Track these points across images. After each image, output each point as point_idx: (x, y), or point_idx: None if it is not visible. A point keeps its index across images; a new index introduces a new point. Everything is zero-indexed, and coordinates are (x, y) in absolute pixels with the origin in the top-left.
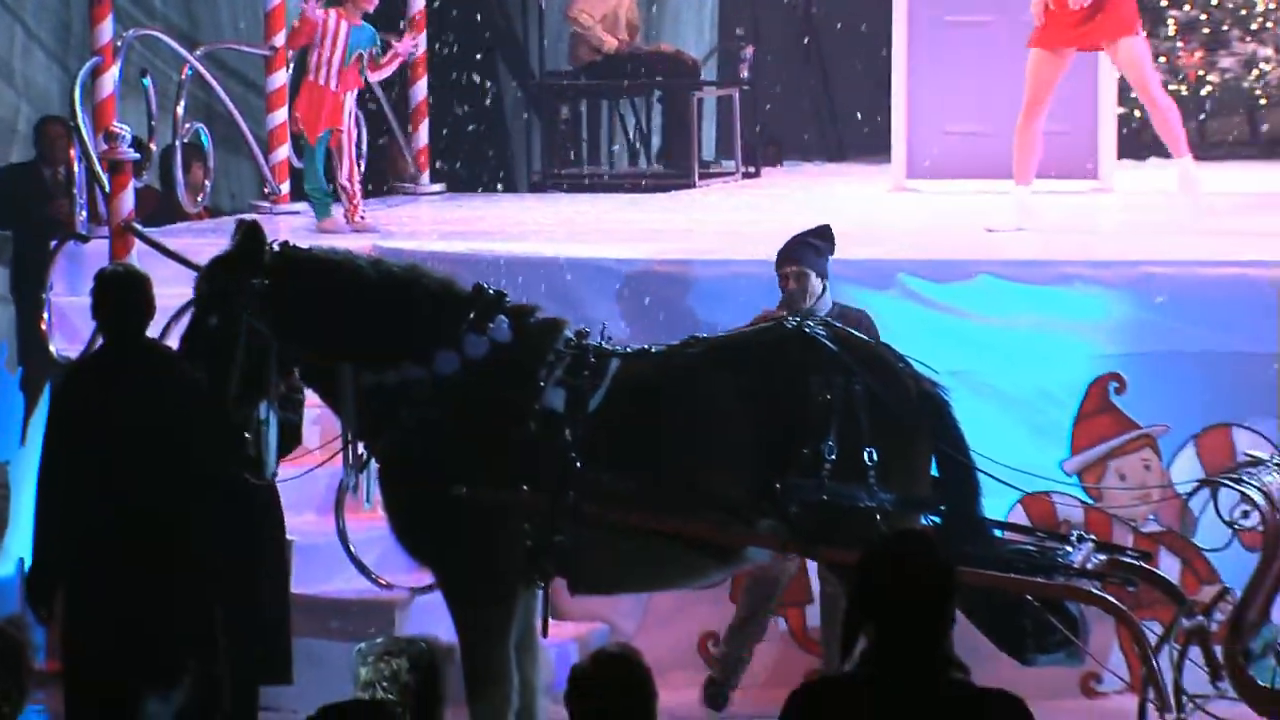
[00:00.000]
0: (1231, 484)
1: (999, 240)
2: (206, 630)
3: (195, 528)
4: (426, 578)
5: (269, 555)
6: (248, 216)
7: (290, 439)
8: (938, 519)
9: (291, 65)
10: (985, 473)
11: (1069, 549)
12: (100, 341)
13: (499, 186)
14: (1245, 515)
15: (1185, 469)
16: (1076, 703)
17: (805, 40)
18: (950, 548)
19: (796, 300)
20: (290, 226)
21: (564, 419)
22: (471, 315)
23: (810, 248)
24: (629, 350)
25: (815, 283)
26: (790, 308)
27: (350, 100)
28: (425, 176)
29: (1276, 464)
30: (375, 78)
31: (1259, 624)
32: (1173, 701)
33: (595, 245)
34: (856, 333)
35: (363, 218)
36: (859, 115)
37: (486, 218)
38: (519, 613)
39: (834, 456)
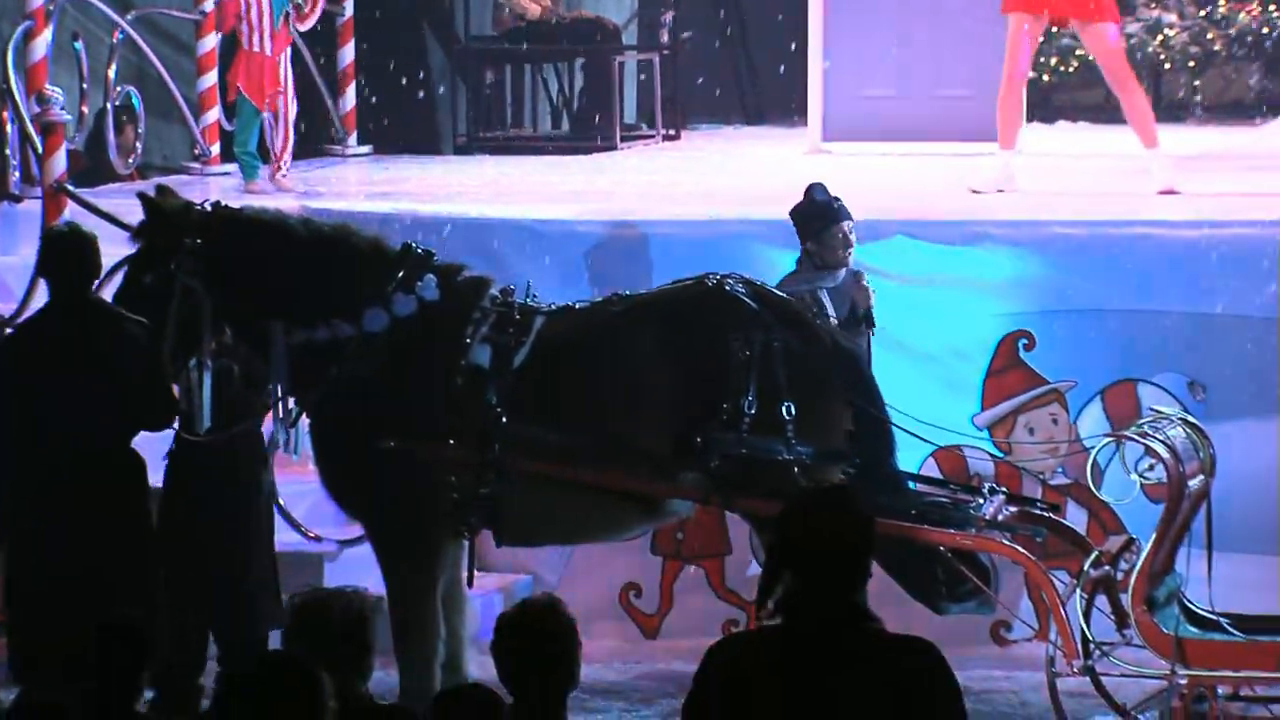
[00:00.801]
0: (1139, 439)
1: (912, 201)
2: (146, 581)
3: (134, 480)
4: (354, 530)
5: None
6: (175, 178)
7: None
8: (854, 471)
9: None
10: (899, 427)
11: (981, 501)
12: (46, 299)
13: (425, 149)
14: (1151, 469)
15: (1092, 423)
16: (986, 650)
17: (722, 6)
18: (866, 500)
19: (844, 257)
20: (220, 187)
21: (490, 375)
22: (400, 274)
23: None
24: (553, 308)
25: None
26: (838, 264)
27: (285, 60)
28: (353, 138)
29: (1181, 419)
30: (303, 27)
31: (1163, 573)
32: (1080, 649)
33: (519, 206)
34: (773, 289)
35: (284, 177)
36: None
37: (412, 179)
38: (446, 564)
39: (753, 411)
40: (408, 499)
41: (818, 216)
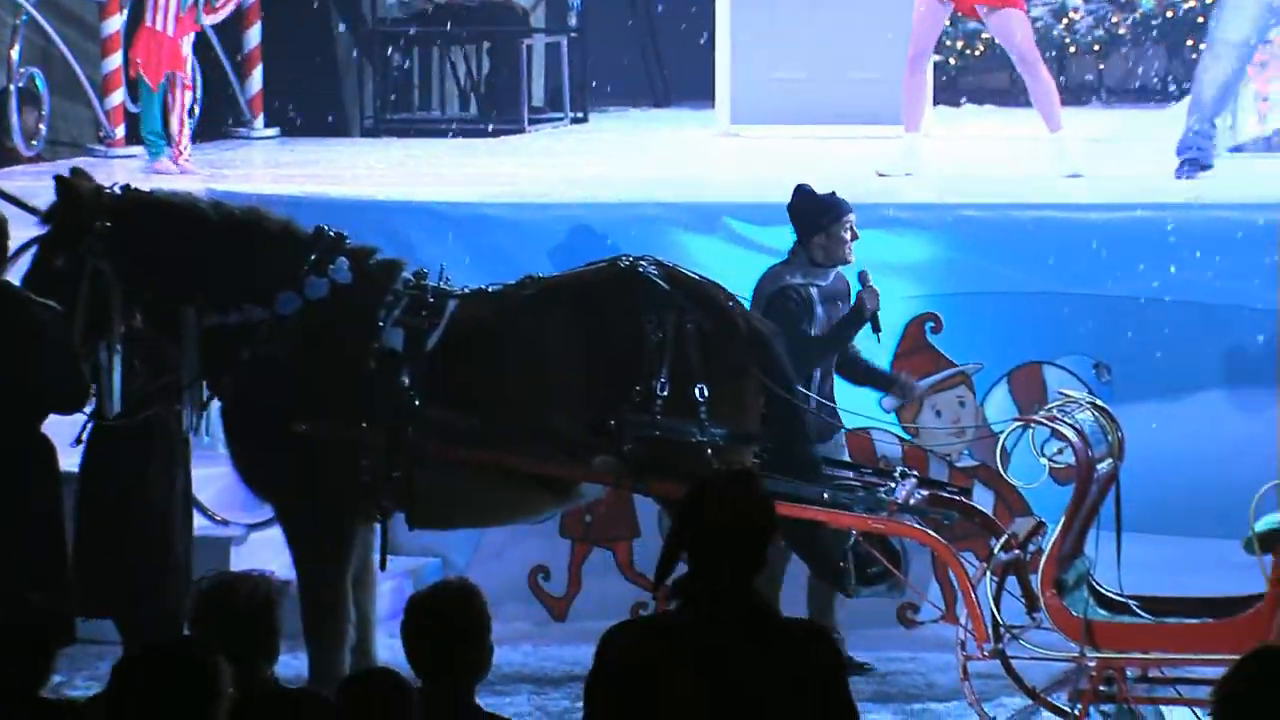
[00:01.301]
0: (1047, 422)
1: (820, 184)
2: (56, 565)
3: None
4: (262, 514)
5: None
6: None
7: None
8: (766, 454)
9: (127, 10)
10: (809, 410)
11: (892, 485)
12: None
13: (332, 131)
14: (1059, 452)
15: (999, 405)
16: (894, 632)
17: None
18: (776, 482)
19: (849, 252)
20: (126, 169)
21: (402, 358)
22: (312, 257)
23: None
24: (466, 291)
25: None
26: (843, 259)
27: (188, 44)
28: (259, 121)
29: (1089, 403)
30: (210, 20)
31: (1072, 556)
32: (990, 632)
33: (427, 189)
34: (687, 270)
35: (188, 160)
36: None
37: (320, 162)
38: (356, 547)
39: (666, 393)
40: (319, 482)
41: (827, 210)
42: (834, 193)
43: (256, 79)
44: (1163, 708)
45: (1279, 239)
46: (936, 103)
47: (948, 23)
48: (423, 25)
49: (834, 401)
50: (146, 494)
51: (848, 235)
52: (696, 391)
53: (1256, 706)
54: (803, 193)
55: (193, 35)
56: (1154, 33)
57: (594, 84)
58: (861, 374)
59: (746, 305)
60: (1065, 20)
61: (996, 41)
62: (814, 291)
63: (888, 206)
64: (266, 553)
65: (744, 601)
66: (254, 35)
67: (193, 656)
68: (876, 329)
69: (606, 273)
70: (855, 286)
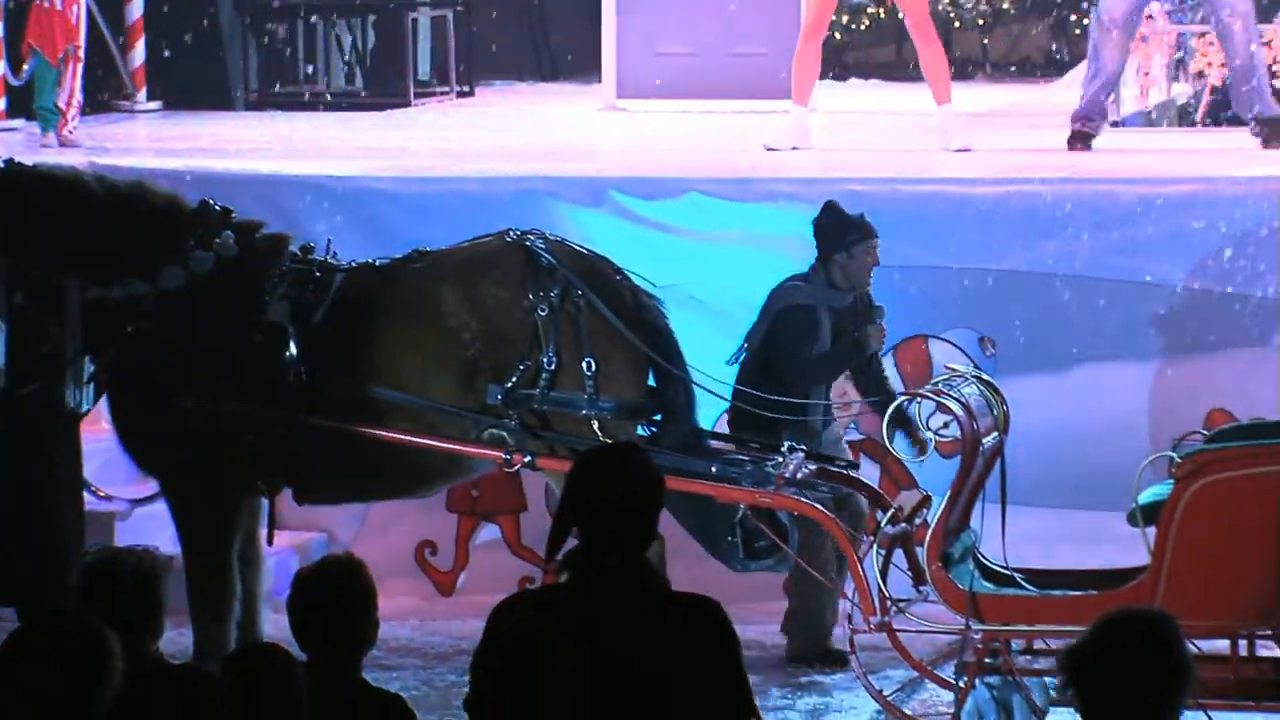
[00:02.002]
0: (933, 396)
1: (707, 158)
2: None
3: None
4: (147, 489)
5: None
6: None
7: None
8: (654, 428)
9: None
10: (697, 384)
11: (779, 459)
12: None
13: (216, 105)
14: (945, 426)
15: None
16: (781, 605)
17: None
18: (664, 456)
19: (869, 277)
20: (7, 143)
21: (289, 332)
22: (198, 231)
23: None
24: (353, 265)
25: None
26: (863, 282)
27: (79, 12)
28: (142, 94)
29: (975, 377)
30: None
31: (958, 530)
32: (877, 605)
33: (312, 163)
34: (574, 244)
35: (71, 133)
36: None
37: (204, 135)
38: (242, 522)
39: (554, 366)
40: (205, 456)
41: (854, 228)
42: (863, 215)
43: (139, 52)
44: (1047, 679)
45: (1161, 213)
46: (823, 77)
47: None
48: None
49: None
50: (38, 473)
51: (870, 259)
52: (584, 365)
53: (1107, 669)
54: (831, 209)
55: (79, 7)
56: (1038, 9)
57: (480, 58)
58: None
59: (635, 279)
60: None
61: (883, 16)
62: (823, 314)
63: (774, 180)
64: (151, 528)
65: (633, 575)
66: (136, 8)
67: (81, 628)
68: (876, 366)
69: (494, 246)
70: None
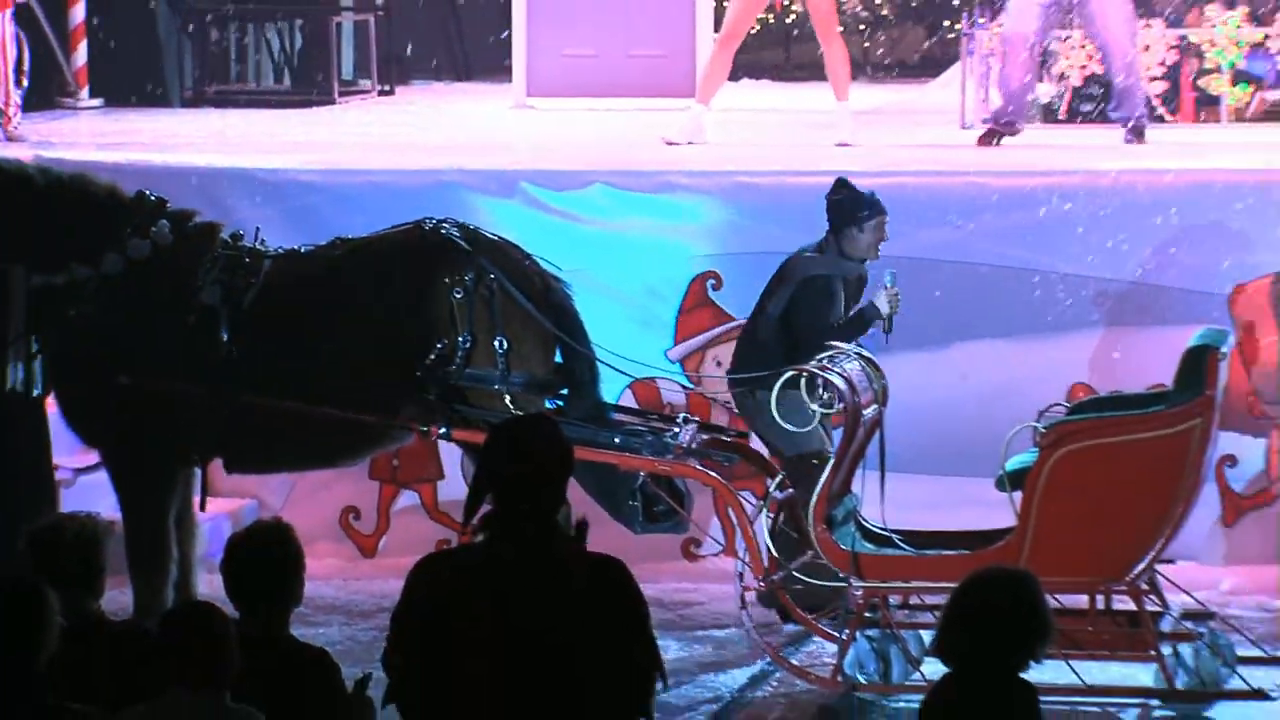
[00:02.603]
0: (818, 371)
1: (610, 152)
2: None
3: None
4: (89, 459)
5: None
6: None
7: None
8: (561, 402)
9: None
10: (601, 361)
11: (676, 430)
12: None
13: (154, 102)
14: (831, 400)
15: None
16: (678, 565)
17: None
18: (571, 428)
19: (877, 249)
20: None
21: (221, 314)
22: (135, 220)
23: None
24: (280, 251)
25: None
26: (872, 255)
27: (5, 17)
28: (85, 92)
29: (857, 354)
30: None
31: (841, 494)
32: (766, 564)
33: (244, 156)
34: (486, 232)
35: (16, 128)
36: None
37: (142, 131)
38: (177, 491)
39: (468, 345)
40: (143, 430)
41: (866, 204)
42: (873, 192)
43: (82, 52)
44: (922, 631)
45: (1029, 202)
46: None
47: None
48: (239, 3)
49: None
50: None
51: (879, 234)
52: (496, 344)
53: (973, 623)
54: (843, 185)
55: (11, 10)
56: (914, 15)
57: (400, 59)
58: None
59: (543, 264)
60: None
61: (772, 21)
62: (838, 284)
63: (673, 173)
64: (93, 495)
65: (544, 538)
66: (79, 11)
67: (19, 585)
68: (888, 329)
69: (412, 234)
70: (884, 280)
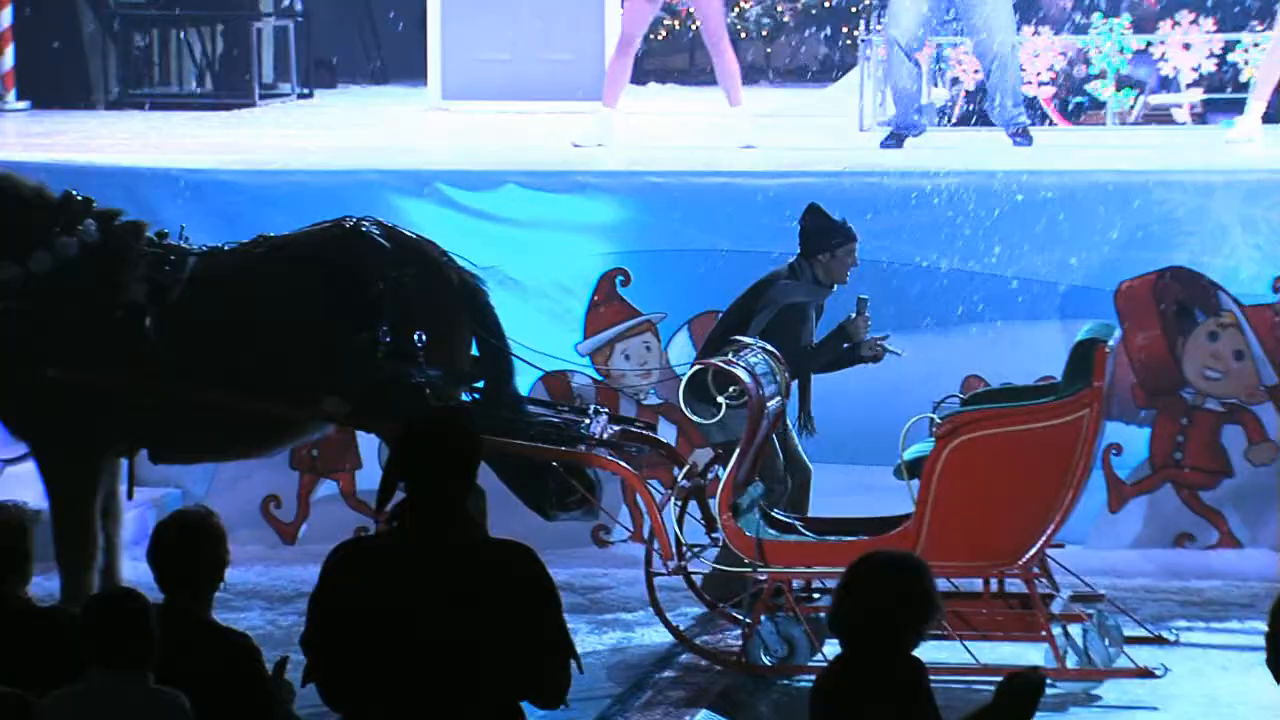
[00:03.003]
0: (724, 365)
1: (522, 154)
2: None
3: None
4: (16, 450)
5: None
6: None
7: None
8: (478, 394)
9: None
10: (515, 355)
11: (587, 421)
12: None
13: (80, 105)
14: (736, 392)
15: (680, 350)
16: (588, 551)
17: None
18: (487, 419)
19: (847, 275)
20: None
21: (147, 309)
22: (63, 219)
23: None
24: (204, 249)
25: None
26: (842, 280)
27: None
28: (11, 95)
29: (761, 348)
30: None
31: (746, 483)
32: (674, 550)
33: (166, 157)
34: (404, 229)
35: None
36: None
37: (69, 132)
38: (104, 480)
39: (388, 340)
40: (70, 422)
41: (838, 232)
42: (845, 220)
43: (9, 56)
44: (824, 614)
45: (925, 201)
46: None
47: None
48: (161, 9)
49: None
50: None
51: (850, 260)
52: (415, 337)
53: (863, 602)
54: (816, 212)
55: None
56: (813, 22)
57: (318, 63)
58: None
59: (459, 261)
60: (737, 8)
61: (677, 27)
62: (811, 309)
63: (583, 174)
64: (21, 485)
65: (454, 524)
66: (6, 16)
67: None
68: (852, 356)
69: (333, 231)
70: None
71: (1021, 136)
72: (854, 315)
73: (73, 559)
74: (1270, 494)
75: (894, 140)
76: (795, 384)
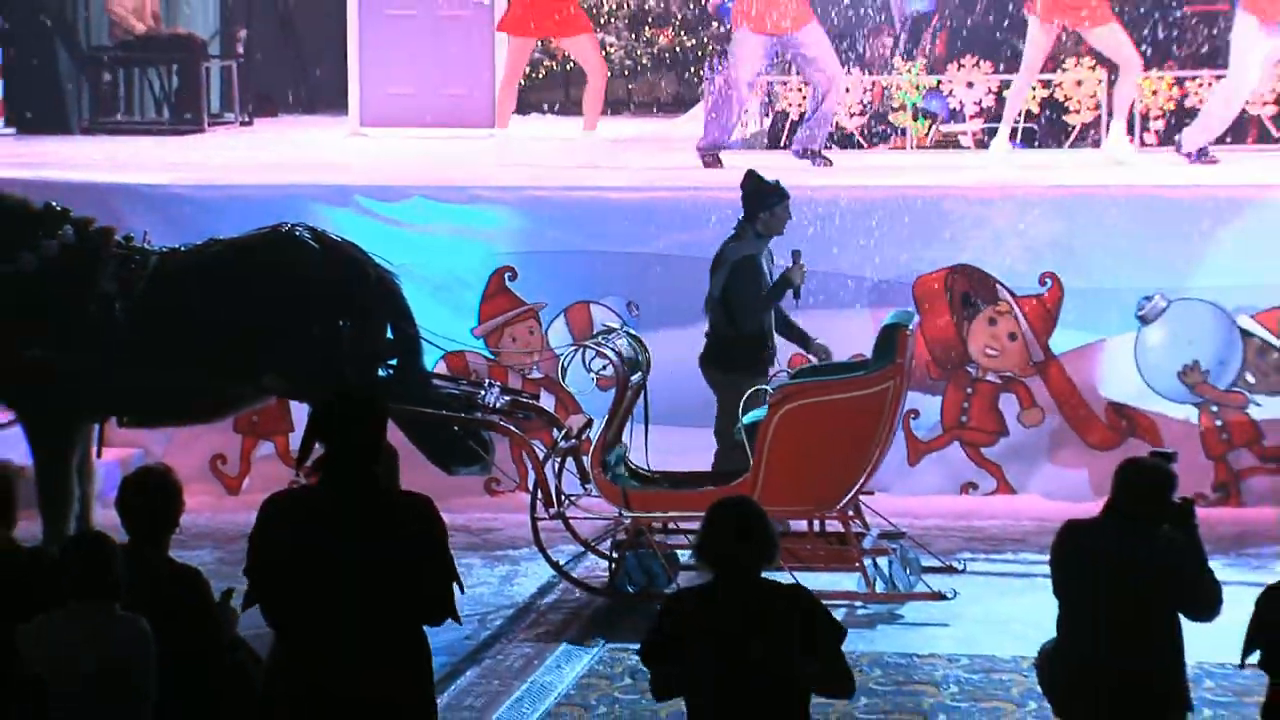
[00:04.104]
0: (594, 346)
1: (427, 171)
2: None
3: None
4: (5, 417)
5: None
6: None
7: None
8: (392, 371)
9: None
10: (423, 338)
11: (483, 392)
12: None
13: (57, 131)
14: (604, 368)
15: (558, 333)
16: (482, 499)
17: (283, 26)
18: (400, 392)
19: (784, 226)
20: None
21: (116, 299)
22: (44, 226)
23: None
24: (165, 249)
25: None
26: (779, 232)
27: None
28: (0, 121)
29: (627, 332)
30: None
31: (614, 443)
32: (555, 499)
33: (131, 174)
34: (331, 234)
35: None
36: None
37: (48, 154)
38: (79, 442)
39: (317, 326)
40: (52, 394)
41: (775, 192)
42: (778, 180)
43: None
44: (679, 551)
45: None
46: (514, 112)
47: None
48: (126, 51)
49: (772, 341)
50: None
51: (785, 214)
52: (340, 324)
53: (713, 536)
54: (753, 176)
55: None
56: (667, 64)
57: (257, 95)
58: (795, 335)
59: (376, 259)
60: (605, 52)
61: (555, 67)
62: (761, 260)
63: (478, 187)
64: (8, 446)
65: (364, 479)
66: None
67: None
68: (797, 296)
69: (271, 235)
70: (793, 258)
71: (814, 158)
72: (792, 265)
73: (52, 508)
74: (1039, 450)
75: (713, 159)
76: (782, 323)
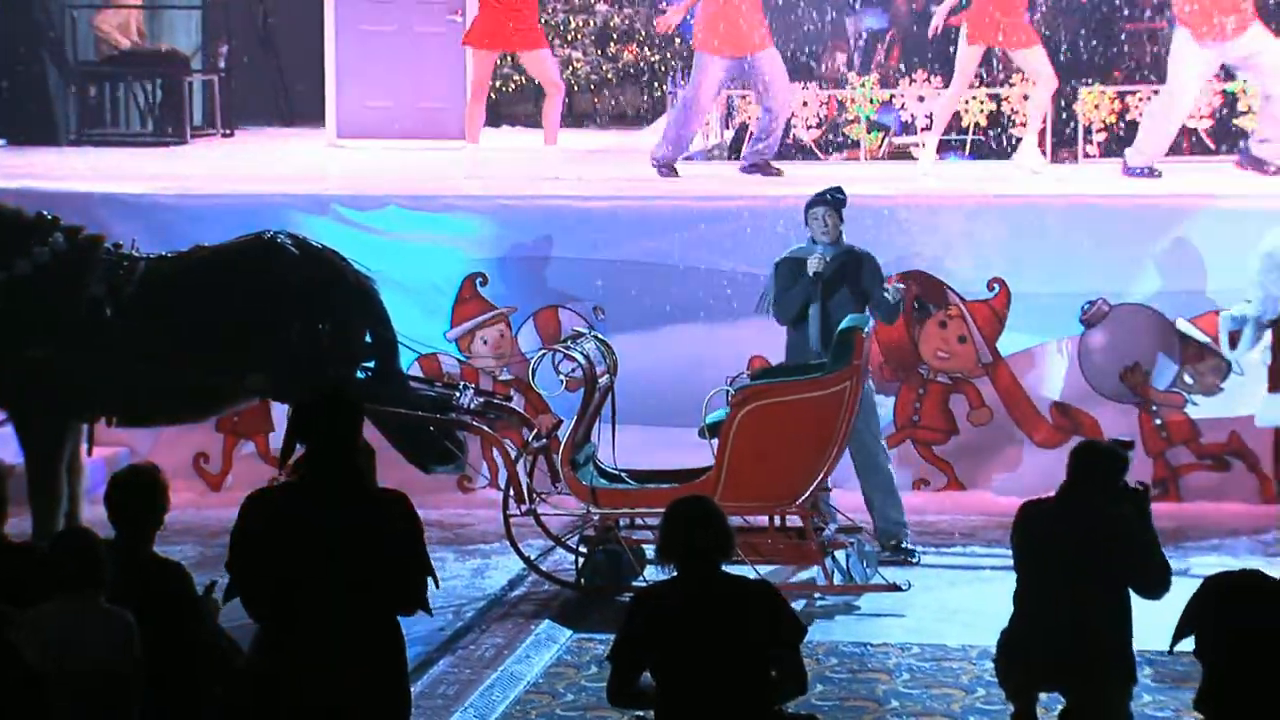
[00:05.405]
0: (563, 350)
1: (402, 181)
2: None
3: None
4: None
5: None
6: None
7: None
8: (370, 372)
9: None
10: (399, 341)
11: (457, 393)
12: None
13: (46, 142)
14: (573, 370)
15: (527, 337)
16: (455, 495)
17: (263, 40)
18: (377, 392)
19: (820, 234)
20: None
21: (106, 303)
22: (37, 234)
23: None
24: (152, 255)
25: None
26: (817, 238)
27: None
28: None
29: (595, 336)
30: None
31: (583, 443)
32: (526, 495)
33: (117, 184)
34: (311, 241)
35: None
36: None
37: (38, 165)
38: (69, 441)
39: (297, 329)
40: (44, 394)
41: (814, 200)
42: (824, 190)
43: None
44: (644, 546)
45: (724, 220)
46: (485, 124)
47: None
48: (112, 66)
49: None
50: None
51: (816, 222)
52: (319, 326)
53: (673, 531)
54: (816, 194)
55: None
56: (631, 79)
57: (238, 108)
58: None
59: (354, 264)
60: (571, 68)
61: (524, 82)
62: (811, 260)
63: (450, 197)
64: (1, 446)
65: (342, 474)
66: None
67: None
68: (869, 300)
69: (254, 242)
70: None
71: (757, 169)
72: (811, 257)
73: (43, 504)
74: (987, 448)
75: (668, 170)
76: (814, 312)
